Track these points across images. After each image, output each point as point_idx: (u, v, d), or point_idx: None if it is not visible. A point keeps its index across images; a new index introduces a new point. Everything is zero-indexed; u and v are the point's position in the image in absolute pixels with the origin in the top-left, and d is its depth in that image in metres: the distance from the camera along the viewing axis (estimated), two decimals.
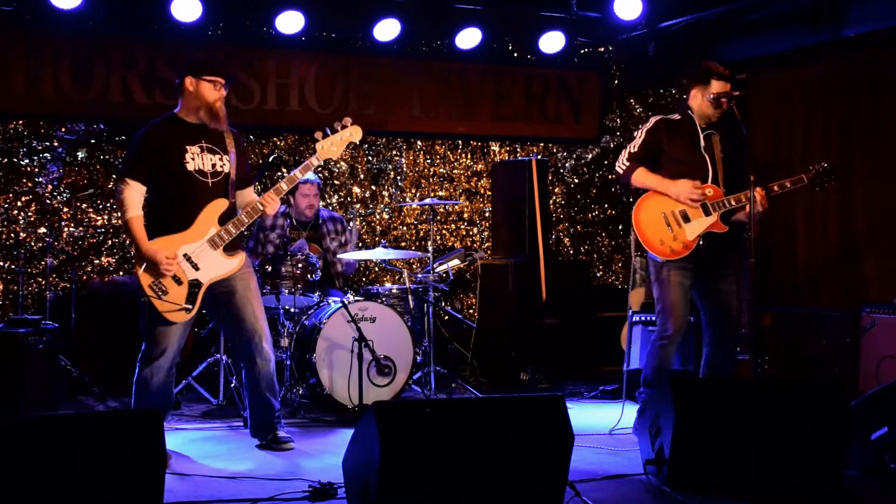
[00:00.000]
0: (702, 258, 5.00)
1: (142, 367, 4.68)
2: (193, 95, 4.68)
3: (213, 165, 4.69)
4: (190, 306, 4.59)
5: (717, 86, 5.02)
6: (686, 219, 4.99)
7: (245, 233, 5.02)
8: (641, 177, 5.09)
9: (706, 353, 5.16)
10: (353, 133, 4.93)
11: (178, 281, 4.57)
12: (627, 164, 5.11)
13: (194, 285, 4.61)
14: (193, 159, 4.64)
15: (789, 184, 5.00)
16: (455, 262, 6.76)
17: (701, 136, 5.05)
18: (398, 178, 8.00)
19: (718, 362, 5.10)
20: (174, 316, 4.58)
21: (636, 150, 5.11)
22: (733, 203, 4.96)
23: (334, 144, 4.89)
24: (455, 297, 8.09)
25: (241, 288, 4.74)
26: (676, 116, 5.16)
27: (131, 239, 4.59)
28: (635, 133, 5.20)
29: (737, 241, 5.09)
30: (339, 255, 6.49)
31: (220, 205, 4.68)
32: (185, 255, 4.59)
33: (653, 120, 5.16)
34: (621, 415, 5.40)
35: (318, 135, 4.89)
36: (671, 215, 5.01)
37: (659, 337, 5.08)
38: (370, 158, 7.93)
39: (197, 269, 4.62)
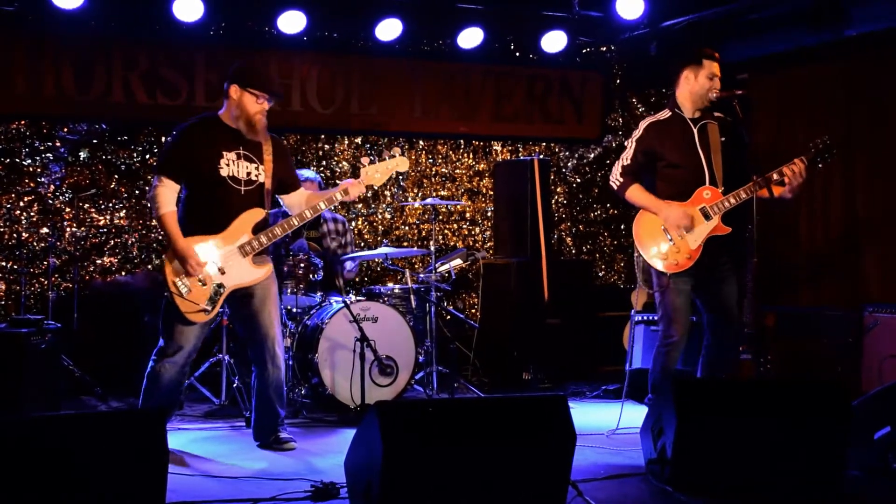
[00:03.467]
0: (703, 262, 4.96)
1: (156, 361, 4.69)
2: (236, 104, 4.67)
3: (248, 174, 4.69)
4: (209, 308, 4.60)
5: (708, 65, 4.96)
6: (687, 230, 4.91)
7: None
8: (634, 195, 5.02)
9: (705, 355, 5.11)
10: (400, 163, 4.93)
11: (202, 282, 4.58)
12: (621, 179, 5.04)
13: (218, 288, 4.62)
14: (228, 165, 4.64)
15: (786, 170, 4.89)
16: (457, 262, 6.76)
17: (694, 131, 4.97)
18: (400, 177, 8.00)
19: (717, 365, 5.06)
20: (193, 316, 4.59)
21: (629, 162, 5.03)
22: (733, 202, 4.89)
23: (379, 172, 4.89)
24: (457, 297, 8.09)
25: (261, 292, 4.75)
26: (665, 114, 5.06)
27: (165, 234, 4.59)
28: (626, 142, 5.07)
29: (737, 238, 5.03)
30: (342, 258, 6.49)
31: (255, 214, 4.69)
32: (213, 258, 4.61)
33: (641, 126, 5.06)
34: (620, 416, 5.38)
35: (365, 160, 4.90)
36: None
37: (663, 343, 5.02)
38: (372, 158, 7.91)
39: (223, 272, 4.63)
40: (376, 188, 7.90)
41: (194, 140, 4.65)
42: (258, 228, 4.69)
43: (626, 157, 5.04)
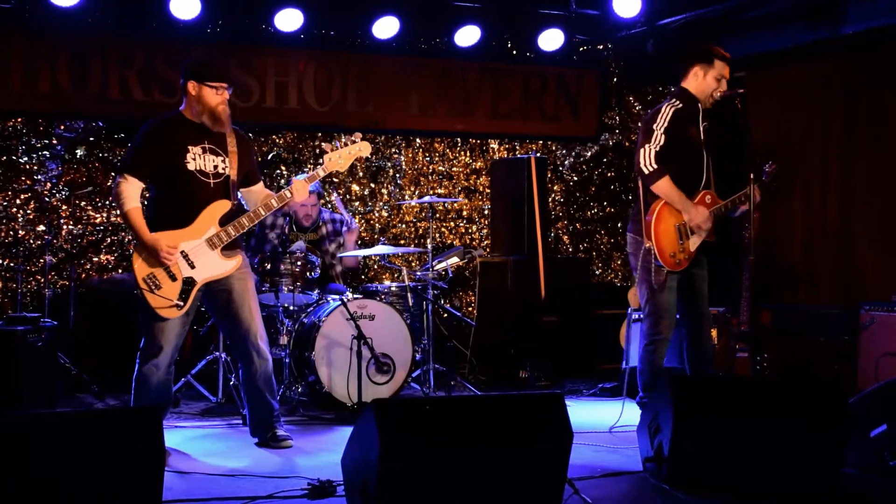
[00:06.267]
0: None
1: (141, 364, 4.68)
2: (196, 99, 4.67)
3: (216, 167, 4.69)
4: (181, 303, 4.59)
5: (720, 66, 5.03)
6: (692, 231, 5.05)
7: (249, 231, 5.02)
8: (665, 188, 4.98)
9: (687, 346, 5.13)
10: (363, 148, 4.99)
11: (172, 277, 4.57)
12: (655, 165, 4.95)
13: (188, 283, 4.61)
14: (195, 159, 4.64)
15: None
16: (454, 260, 6.75)
17: (701, 128, 5.06)
18: (397, 175, 7.99)
19: (700, 355, 5.11)
20: (165, 312, 4.57)
21: (660, 148, 4.95)
22: (729, 206, 5.07)
23: (342, 158, 4.93)
24: (454, 295, 8.09)
25: (239, 287, 4.74)
26: (680, 104, 5.07)
27: (131, 230, 4.59)
28: (654, 126, 4.98)
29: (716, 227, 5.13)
30: (338, 255, 6.48)
31: (222, 206, 4.68)
32: (182, 252, 4.60)
33: (668, 112, 5.00)
34: (621, 412, 5.40)
35: (327, 147, 4.93)
36: (683, 228, 5.05)
37: (650, 340, 5.04)
38: (369, 156, 7.87)
39: (193, 266, 4.62)
40: (343, 173, 7.90)
41: (159, 137, 4.64)
42: (226, 220, 4.68)
43: (658, 143, 4.96)
